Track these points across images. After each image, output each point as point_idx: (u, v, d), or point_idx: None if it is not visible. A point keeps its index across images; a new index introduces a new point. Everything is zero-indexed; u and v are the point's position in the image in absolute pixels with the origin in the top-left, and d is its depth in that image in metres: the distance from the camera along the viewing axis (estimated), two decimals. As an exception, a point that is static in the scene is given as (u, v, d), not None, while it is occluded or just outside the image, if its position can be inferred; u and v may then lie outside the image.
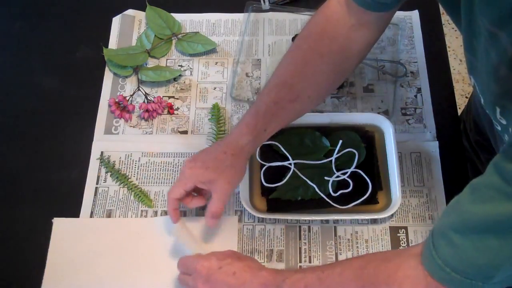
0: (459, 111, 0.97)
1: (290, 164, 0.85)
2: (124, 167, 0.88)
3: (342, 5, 0.71)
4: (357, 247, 0.80)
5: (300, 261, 0.80)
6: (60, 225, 0.82)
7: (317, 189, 0.83)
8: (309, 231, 0.82)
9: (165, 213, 0.84)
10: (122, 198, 0.85)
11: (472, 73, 0.59)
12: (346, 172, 0.85)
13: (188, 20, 1.03)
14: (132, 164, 0.88)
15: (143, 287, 0.78)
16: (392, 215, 0.82)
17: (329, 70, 0.74)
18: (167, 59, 0.99)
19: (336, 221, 0.82)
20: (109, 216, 0.83)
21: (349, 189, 0.83)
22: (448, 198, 0.83)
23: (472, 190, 0.52)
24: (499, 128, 0.57)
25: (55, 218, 0.83)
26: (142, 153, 0.89)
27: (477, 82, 0.59)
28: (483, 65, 0.53)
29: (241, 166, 0.75)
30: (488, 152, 0.93)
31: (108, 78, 0.97)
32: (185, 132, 0.91)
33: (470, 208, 0.51)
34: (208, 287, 0.67)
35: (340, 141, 0.86)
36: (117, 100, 0.92)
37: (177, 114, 0.93)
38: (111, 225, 0.82)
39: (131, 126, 0.92)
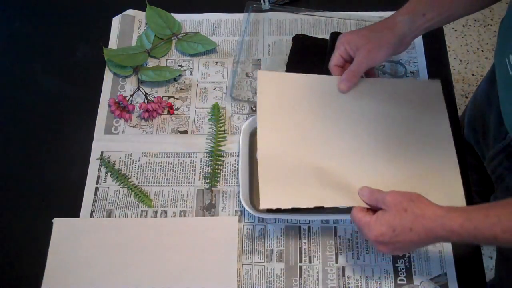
0: (459, 111, 0.97)
1: (290, 164, 0.85)
2: (124, 167, 0.88)
3: None
4: (357, 247, 0.80)
5: (300, 261, 0.80)
6: (60, 225, 0.82)
7: (317, 189, 0.83)
8: (309, 231, 0.82)
9: (165, 213, 0.84)
10: (122, 198, 0.85)
11: None
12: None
13: (188, 20, 1.03)
14: (132, 164, 0.88)
15: (143, 287, 0.78)
16: (392, 215, 0.82)
17: None
18: (167, 59, 0.99)
19: (336, 221, 0.82)
20: (109, 216, 0.84)
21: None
22: (448, 198, 0.83)
23: None
24: None
25: (55, 219, 0.83)
26: (142, 153, 0.89)
27: None
28: None
29: (388, 41, 0.77)
30: (477, 173, 0.93)
31: (108, 78, 0.97)
32: (185, 132, 0.91)
33: None
34: (391, 248, 0.66)
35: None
36: (117, 100, 0.92)
37: (177, 114, 0.93)
38: (111, 225, 0.82)
39: (131, 126, 0.92)
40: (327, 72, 0.83)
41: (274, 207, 0.73)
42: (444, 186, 0.68)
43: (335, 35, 0.96)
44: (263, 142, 0.77)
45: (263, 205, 0.72)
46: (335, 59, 0.81)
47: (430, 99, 0.83)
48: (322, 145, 0.78)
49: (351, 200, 0.72)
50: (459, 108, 1.03)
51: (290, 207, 0.72)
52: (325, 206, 0.72)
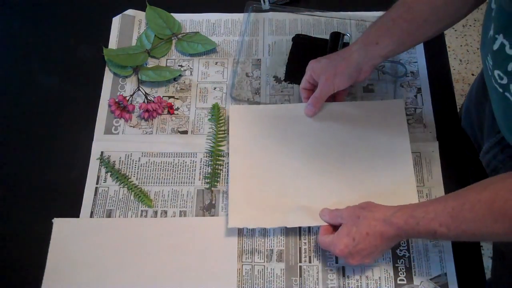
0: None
1: (290, 164, 0.86)
2: (124, 167, 0.88)
3: None
4: (357, 247, 0.80)
5: (300, 261, 0.80)
6: (60, 226, 0.82)
7: (317, 189, 0.84)
8: (309, 231, 0.82)
9: (165, 213, 0.84)
10: (122, 198, 0.85)
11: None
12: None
13: (188, 20, 1.03)
14: (132, 164, 0.88)
15: (143, 287, 0.78)
16: (392, 215, 0.82)
17: None
18: (167, 59, 0.99)
19: (336, 221, 0.82)
20: (109, 216, 0.84)
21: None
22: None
23: None
24: None
25: (55, 219, 0.83)
26: (142, 153, 0.89)
27: None
28: None
29: (342, 70, 0.80)
30: (474, 166, 0.94)
31: (108, 78, 0.97)
32: (185, 132, 0.91)
33: None
34: (359, 259, 0.71)
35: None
36: (117, 100, 0.92)
37: (177, 114, 0.93)
38: (111, 225, 0.82)
39: (131, 126, 0.92)
40: None
41: (241, 226, 0.80)
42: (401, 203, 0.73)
43: (335, 35, 0.96)
44: (234, 169, 0.83)
45: (231, 224, 0.79)
46: (303, 83, 0.85)
47: (393, 118, 0.87)
48: (289, 169, 0.83)
49: (313, 220, 0.78)
50: (459, 108, 1.03)
51: (255, 227, 0.80)
52: (288, 226, 0.79)
